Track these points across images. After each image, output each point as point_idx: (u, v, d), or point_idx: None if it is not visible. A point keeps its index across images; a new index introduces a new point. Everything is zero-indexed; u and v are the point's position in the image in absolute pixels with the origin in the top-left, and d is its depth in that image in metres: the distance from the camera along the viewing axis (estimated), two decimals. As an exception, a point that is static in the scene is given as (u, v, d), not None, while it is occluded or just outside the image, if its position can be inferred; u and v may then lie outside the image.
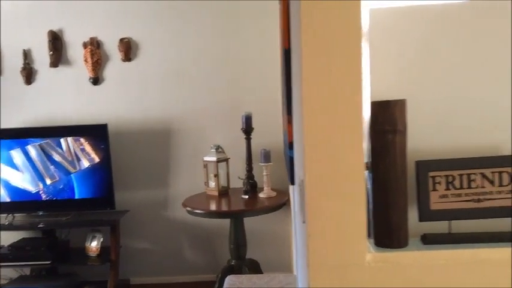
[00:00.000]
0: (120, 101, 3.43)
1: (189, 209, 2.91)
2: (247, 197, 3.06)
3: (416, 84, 1.21)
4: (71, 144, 3.23)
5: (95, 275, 3.32)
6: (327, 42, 1.01)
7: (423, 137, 1.18)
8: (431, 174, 1.12)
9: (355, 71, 1.01)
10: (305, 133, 1.04)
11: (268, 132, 3.24)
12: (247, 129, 3.14)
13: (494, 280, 1.05)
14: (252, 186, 3.15)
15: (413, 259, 1.06)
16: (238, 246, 3.07)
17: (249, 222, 3.14)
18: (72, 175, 3.24)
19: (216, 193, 3.14)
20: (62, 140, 3.24)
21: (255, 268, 3.12)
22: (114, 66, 3.42)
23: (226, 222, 3.13)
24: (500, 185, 1.10)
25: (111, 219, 3.19)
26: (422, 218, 1.13)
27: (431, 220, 1.13)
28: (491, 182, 1.10)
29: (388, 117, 1.08)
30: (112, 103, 3.43)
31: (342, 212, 1.05)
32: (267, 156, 3.03)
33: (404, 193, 1.10)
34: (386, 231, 1.11)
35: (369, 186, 1.14)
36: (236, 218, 3.05)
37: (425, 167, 1.12)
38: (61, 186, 3.25)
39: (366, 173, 1.16)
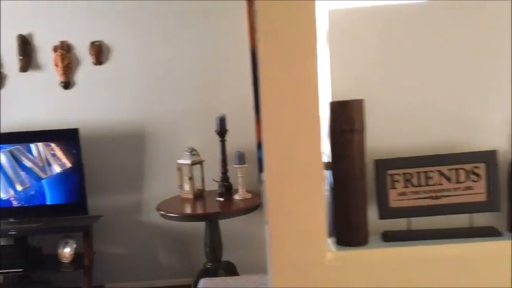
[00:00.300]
0: (92, 105, 3.39)
1: (162, 212, 2.89)
2: (222, 199, 3.05)
3: (376, 84, 1.22)
4: (41, 150, 3.18)
5: (69, 282, 3.27)
6: (283, 43, 1.02)
7: (382, 136, 1.19)
8: (390, 172, 1.13)
9: (311, 72, 1.02)
10: (264, 133, 1.05)
11: (243, 134, 3.22)
12: (222, 131, 3.14)
13: (453, 275, 1.06)
14: (227, 189, 3.14)
15: (373, 257, 1.07)
16: (214, 249, 3.06)
17: (224, 224, 3.13)
18: (43, 181, 3.19)
19: (190, 196, 3.12)
20: (33, 146, 3.18)
21: (231, 270, 3.11)
22: (86, 70, 3.38)
23: (201, 225, 3.12)
24: (457, 182, 1.12)
25: (84, 224, 3.15)
26: (382, 215, 1.14)
27: (391, 218, 1.14)
28: (448, 179, 1.12)
29: (345, 117, 1.09)
30: (84, 107, 3.38)
31: (303, 211, 1.05)
32: (241, 158, 3.03)
33: (363, 191, 1.11)
34: (346, 229, 1.12)
35: (330, 186, 1.15)
36: (211, 220, 3.04)
37: (383, 165, 1.13)
38: (32, 192, 3.19)
39: (327, 172, 1.17)
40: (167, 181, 3.33)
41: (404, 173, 1.13)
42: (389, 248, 1.10)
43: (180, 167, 3.12)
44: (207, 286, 2.34)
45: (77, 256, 3.16)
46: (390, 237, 1.14)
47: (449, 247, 1.08)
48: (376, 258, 1.07)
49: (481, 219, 1.17)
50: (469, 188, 1.12)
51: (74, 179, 3.19)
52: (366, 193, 1.12)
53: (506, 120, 1.19)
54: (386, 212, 1.14)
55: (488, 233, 1.12)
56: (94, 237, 3.23)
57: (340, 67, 1.20)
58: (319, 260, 1.07)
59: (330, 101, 1.11)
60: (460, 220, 1.15)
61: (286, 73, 1.02)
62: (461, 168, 1.12)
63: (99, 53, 3.36)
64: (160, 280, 3.44)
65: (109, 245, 3.45)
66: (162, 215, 2.90)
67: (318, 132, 1.04)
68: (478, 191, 1.12)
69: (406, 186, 1.13)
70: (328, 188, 1.16)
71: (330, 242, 1.15)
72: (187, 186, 3.13)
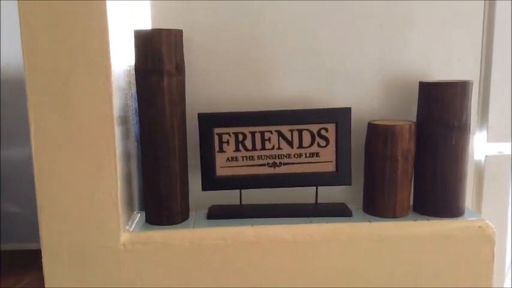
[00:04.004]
0: None
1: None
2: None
3: (207, 15, 0.92)
4: None
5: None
6: None
7: (213, 84, 0.93)
8: (218, 131, 0.87)
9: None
10: (27, 78, 0.76)
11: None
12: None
13: (277, 261, 0.84)
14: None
15: (183, 239, 0.83)
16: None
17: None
18: None
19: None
20: None
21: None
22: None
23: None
24: (300, 147, 0.87)
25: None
26: (205, 186, 0.89)
27: (217, 189, 0.89)
28: (290, 143, 0.87)
29: (151, 53, 0.81)
30: None
31: (85, 180, 0.79)
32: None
33: (179, 154, 0.85)
34: (155, 204, 0.86)
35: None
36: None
37: (209, 121, 0.87)
38: None
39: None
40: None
41: (235, 133, 0.87)
42: (206, 228, 0.85)
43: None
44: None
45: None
46: (214, 214, 0.90)
47: (276, 229, 0.85)
48: (185, 240, 0.82)
49: (331, 193, 0.94)
50: (314, 154, 0.88)
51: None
52: (185, 157, 0.87)
53: (374, 73, 0.94)
54: (210, 182, 0.89)
55: (337, 212, 0.90)
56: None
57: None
58: (109, 242, 0.82)
59: (135, 29, 0.83)
60: (305, 194, 0.91)
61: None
62: (306, 130, 0.87)
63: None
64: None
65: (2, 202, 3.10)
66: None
67: (107, 75, 0.76)
68: (326, 159, 0.88)
69: (237, 150, 0.88)
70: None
71: (138, 219, 0.89)
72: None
